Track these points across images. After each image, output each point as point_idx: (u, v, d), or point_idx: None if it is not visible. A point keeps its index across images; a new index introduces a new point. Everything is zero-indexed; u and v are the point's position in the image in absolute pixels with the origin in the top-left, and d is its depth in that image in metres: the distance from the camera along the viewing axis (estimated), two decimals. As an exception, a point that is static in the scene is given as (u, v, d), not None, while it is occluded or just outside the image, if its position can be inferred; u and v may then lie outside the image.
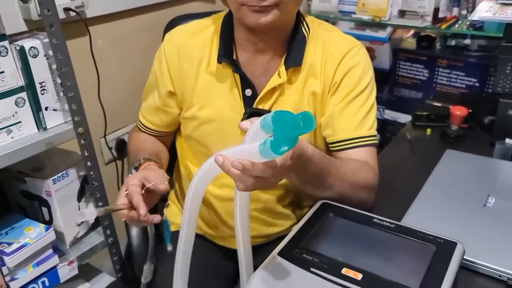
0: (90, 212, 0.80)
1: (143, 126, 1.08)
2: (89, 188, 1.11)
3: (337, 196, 0.85)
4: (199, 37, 0.96)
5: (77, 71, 1.01)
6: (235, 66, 0.92)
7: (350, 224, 0.77)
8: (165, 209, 0.95)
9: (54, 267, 1.04)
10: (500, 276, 0.76)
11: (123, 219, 0.82)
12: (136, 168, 0.93)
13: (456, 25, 1.60)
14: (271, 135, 0.57)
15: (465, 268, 0.78)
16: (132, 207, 0.79)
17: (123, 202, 0.81)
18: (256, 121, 0.61)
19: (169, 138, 1.11)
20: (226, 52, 0.92)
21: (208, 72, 0.95)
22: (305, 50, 0.92)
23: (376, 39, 1.84)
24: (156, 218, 0.80)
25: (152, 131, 1.07)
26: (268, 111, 0.92)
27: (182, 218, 0.75)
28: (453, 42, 1.83)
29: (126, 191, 0.80)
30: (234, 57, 0.93)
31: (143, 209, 0.77)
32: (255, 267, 0.70)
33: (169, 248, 0.91)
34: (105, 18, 1.41)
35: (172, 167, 1.17)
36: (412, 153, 1.21)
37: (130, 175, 0.90)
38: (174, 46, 0.97)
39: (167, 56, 0.97)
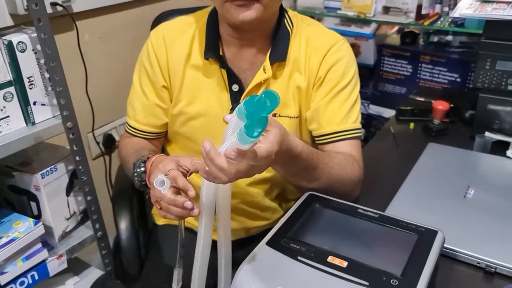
0: (167, 185, 0.70)
1: (137, 131, 1.04)
2: (78, 183, 1.12)
3: (323, 188, 0.87)
4: (185, 34, 0.97)
5: (64, 66, 1.01)
6: (222, 62, 0.93)
7: (336, 214, 0.79)
8: None
9: (44, 261, 1.04)
10: (478, 263, 0.79)
11: (164, 215, 0.75)
12: (144, 162, 0.87)
13: (439, 22, 1.64)
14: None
15: (446, 256, 0.81)
16: (177, 193, 0.73)
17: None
18: (233, 111, 0.63)
19: (162, 140, 1.09)
20: (212, 48, 0.93)
21: (195, 68, 0.96)
22: (289, 45, 0.94)
23: (361, 35, 1.87)
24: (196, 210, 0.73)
25: (149, 134, 1.04)
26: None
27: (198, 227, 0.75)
28: (435, 39, 1.87)
29: (165, 175, 0.73)
30: (221, 53, 0.94)
31: (192, 190, 0.71)
32: (243, 259, 0.72)
33: None
34: (92, 12, 1.41)
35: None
36: (395, 146, 1.24)
37: (138, 171, 0.86)
38: (161, 41, 0.97)
39: (155, 51, 0.97)
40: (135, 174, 0.87)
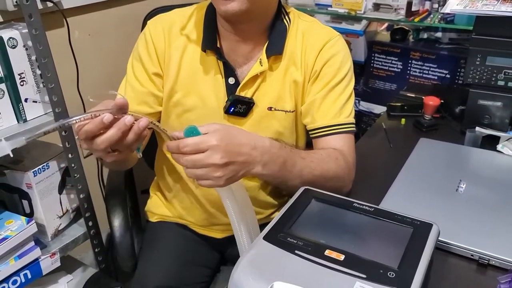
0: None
1: None
2: (71, 180, 1.11)
3: (308, 185, 0.86)
4: (183, 26, 0.96)
5: (55, 63, 1.00)
6: (219, 54, 0.93)
7: (332, 208, 0.80)
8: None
9: (36, 259, 1.03)
10: (472, 255, 0.80)
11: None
12: None
13: (429, 19, 1.65)
14: None
15: (439, 249, 0.82)
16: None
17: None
18: None
19: (150, 132, 1.03)
20: (210, 41, 0.93)
21: (192, 60, 0.95)
22: (286, 39, 0.94)
23: (351, 32, 1.87)
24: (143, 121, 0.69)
25: None
26: (250, 99, 0.94)
27: None
28: (425, 35, 1.88)
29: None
30: (218, 45, 0.94)
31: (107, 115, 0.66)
32: (239, 255, 0.72)
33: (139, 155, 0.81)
34: (83, 9, 1.39)
35: (153, 158, 1.18)
36: (387, 141, 1.25)
37: None
38: (160, 31, 0.95)
39: (153, 39, 0.95)
40: None
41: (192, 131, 0.73)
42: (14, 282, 0.99)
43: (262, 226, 0.79)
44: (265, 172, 0.81)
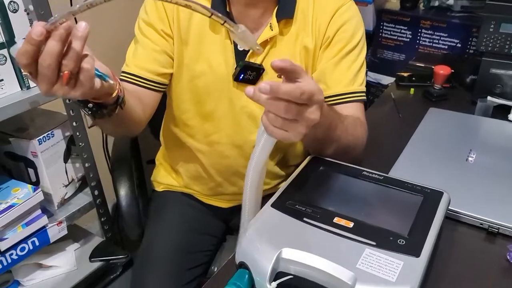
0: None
1: (134, 78, 0.92)
2: (76, 149, 1.10)
3: (340, 151, 0.84)
4: None
5: (58, 28, 0.97)
6: (229, 18, 0.90)
7: (341, 177, 0.79)
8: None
9: (44, 227, 1.04)
10: (481, 224, 0.80)
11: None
12: None
13: (441, -15, 1.60)
14: None
15: (449, 218, 0.81)
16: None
17: None
18: None
19: (157, 98, 0.98)
20: (219, 5, 0.90)
21: (201, 25, 0.93)
22: (296, 2, 0.91)
23: (360, -1, 1.83)
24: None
25: (147, 82, 0.93)
26: (260, 65, 0.92)
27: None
28: (436, 3, 1.83)
29: None
30: (228, 10, 0.91)
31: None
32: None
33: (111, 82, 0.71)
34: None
35: (159, 128, 1.17)
36: (396, 111, 1.23)
37: None
38: None
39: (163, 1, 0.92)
40: None
41: None
42: (22, 249, 1.00)
43: (268, 197, 0.77)
44: (313, 130, 0.72)
